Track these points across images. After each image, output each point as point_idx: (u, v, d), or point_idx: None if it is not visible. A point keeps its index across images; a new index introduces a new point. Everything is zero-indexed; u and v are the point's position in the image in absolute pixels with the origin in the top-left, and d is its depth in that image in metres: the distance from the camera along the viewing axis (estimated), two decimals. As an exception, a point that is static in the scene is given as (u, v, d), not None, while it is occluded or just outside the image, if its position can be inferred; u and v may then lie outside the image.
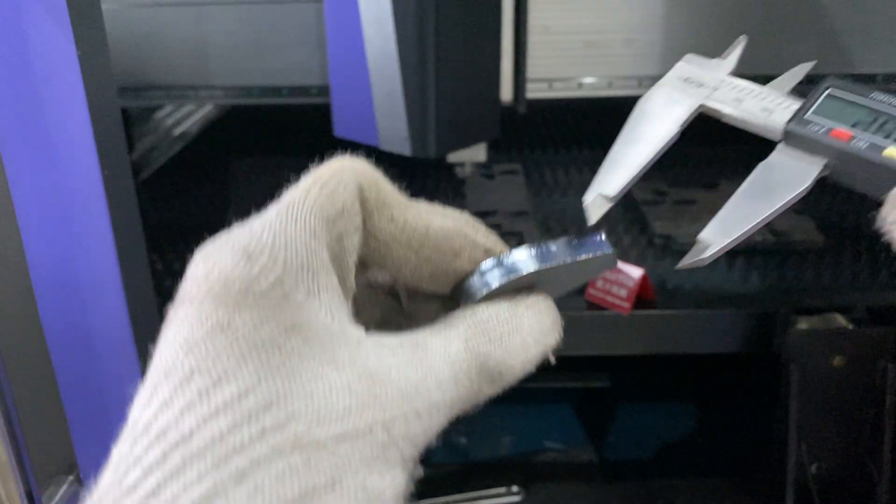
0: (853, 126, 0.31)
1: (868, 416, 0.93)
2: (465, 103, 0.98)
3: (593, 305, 0.92)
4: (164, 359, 0.22)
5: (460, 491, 1.08)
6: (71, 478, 0.69)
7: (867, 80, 1.07)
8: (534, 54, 1.05)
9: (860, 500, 0.96)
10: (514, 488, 1.11)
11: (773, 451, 0.98)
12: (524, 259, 0.28)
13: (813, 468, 0.95)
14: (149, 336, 0.68)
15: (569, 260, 0.28)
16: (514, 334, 0.27)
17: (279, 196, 0.26)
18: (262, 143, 1.46)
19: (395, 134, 0.96)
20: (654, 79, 0.38)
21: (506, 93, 1.05)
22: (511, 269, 0.28)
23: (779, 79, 0.35)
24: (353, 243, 0.27)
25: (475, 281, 0.28)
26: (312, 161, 0.27)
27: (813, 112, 0.32)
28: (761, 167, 0.32)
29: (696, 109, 0.34)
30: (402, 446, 0.23)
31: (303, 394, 0.22)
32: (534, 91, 1.07)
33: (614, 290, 0.90)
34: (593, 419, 1.23)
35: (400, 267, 0.28)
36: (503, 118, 1.04)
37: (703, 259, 0.31)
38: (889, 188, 0.30)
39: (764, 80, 0.36)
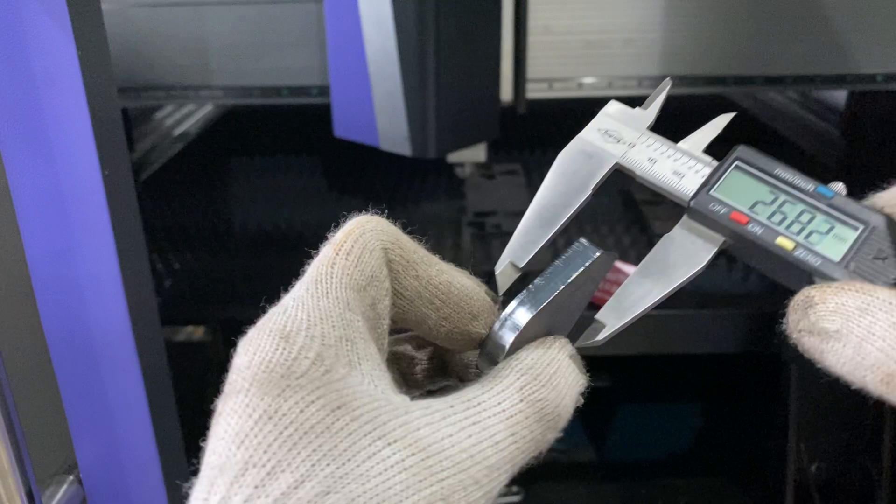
0: (752, 207, 0.31)
1: (868, 416, 0.93)
2: (464, 103, 0.98)
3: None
4: (216, 453, 0.22)
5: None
6: (71, 478, 0.69)
7: (867, 81, 1.07)
8: (534, 54, 1.05)
9: (860, 500, 0.96)
10: (514, 488, 1.11)
11: (773, 451, 0.98)
12: (541, 287, 0.28)
13: (813, 468, 0.95)
14: (149, 336, 0.68)
15: (576, 273, 0.29)
16: (558, 374, 0.28)
17: (304, 270, 0.26)
18: (262, 143, 1.46)
19: (395, 134, 0.96)
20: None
21: (506, 93, 1.05)
22: (535, 302, 0.28)
23: (699, 131, 0.34)
24: (386, 307, 0.27)
25: (500, 330, 0.28)
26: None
27: (717, 188, 0.32)
28: (664, 241, 0.32)
29: (611, 169, 0.34)
30: None
31: (357, 475, 0.22)
32: (534, 91, 1.07)
33: (614, 290, 0.90)
34: (593, 419, 1.23)
35: (419, 324, 0.28)
36: (503, 118, 1.03)
37: (597, 341, 0.32)
38: (782, 275, 0.30)
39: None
